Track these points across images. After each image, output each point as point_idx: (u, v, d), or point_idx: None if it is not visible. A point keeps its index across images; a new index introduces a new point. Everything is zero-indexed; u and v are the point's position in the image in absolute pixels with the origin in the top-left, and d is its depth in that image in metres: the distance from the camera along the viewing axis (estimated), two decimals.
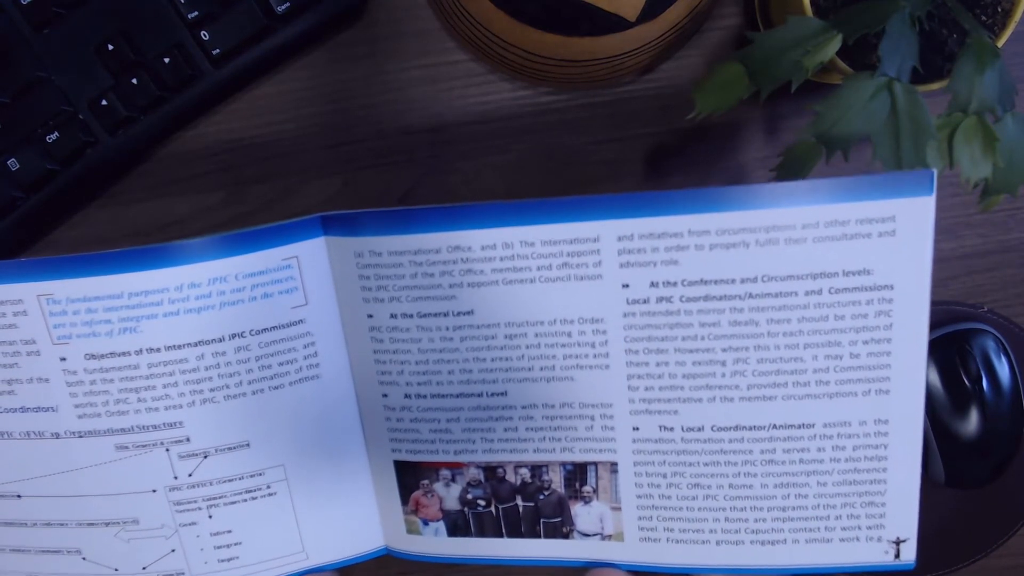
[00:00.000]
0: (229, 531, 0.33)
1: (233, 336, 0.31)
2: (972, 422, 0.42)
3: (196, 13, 0.38)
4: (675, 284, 0.29)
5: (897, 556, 0.31)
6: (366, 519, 0.34)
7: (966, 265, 0.44)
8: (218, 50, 0.39)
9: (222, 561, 0.33)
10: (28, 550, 0.33)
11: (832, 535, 0.31)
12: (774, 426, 0.30)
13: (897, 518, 0.31)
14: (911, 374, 0.29)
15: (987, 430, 0.43)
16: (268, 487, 0.33)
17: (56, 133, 0.39)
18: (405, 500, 0.34)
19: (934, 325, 0.44)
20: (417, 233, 0.30)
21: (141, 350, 0.30)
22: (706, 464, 0.31)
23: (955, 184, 0.43)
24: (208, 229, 0.42)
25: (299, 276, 0.31)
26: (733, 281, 0.29)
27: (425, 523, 0.34)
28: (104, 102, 0.39)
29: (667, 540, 0.32)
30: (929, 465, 0.44)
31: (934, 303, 0.44)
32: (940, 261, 0.44)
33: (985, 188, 0.32)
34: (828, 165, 0.32)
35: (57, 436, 0.32)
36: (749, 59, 0.33)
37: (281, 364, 0.32)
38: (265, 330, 0.31)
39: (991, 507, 0.46)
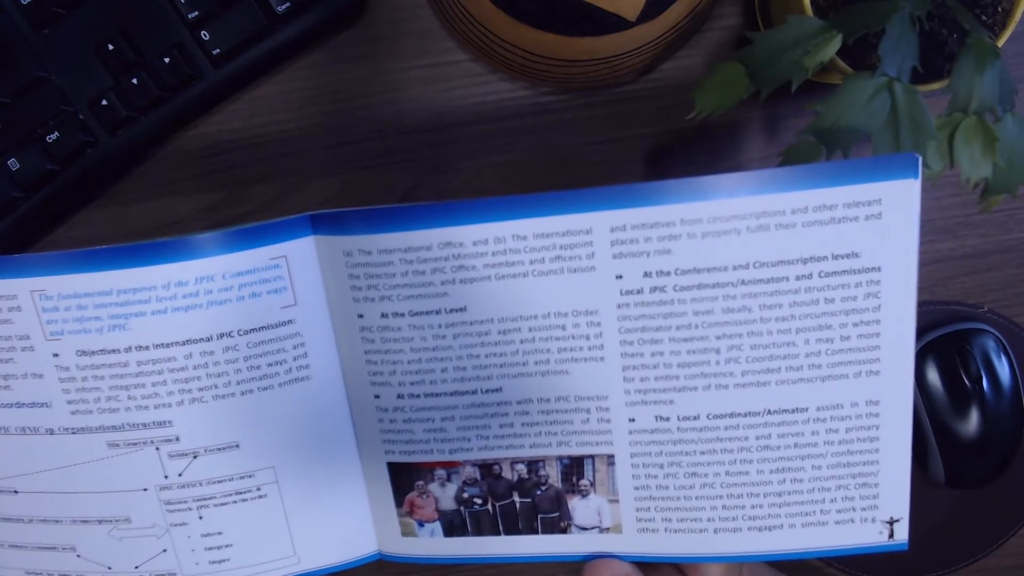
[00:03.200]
0: (220, 533, 0.33)
1: (221, 336, 0.31)
2: (972, 422, 0.42)
3: (196, 13, 0.38)
4: (668, 274, 0.29)
5: (891, 536, 0.31)
6: (359, 523, 0.34)
7: (966, 265, 0.44)
8: (218, 50, 0.39)
9: (213, 563, 0.33)
10: (25, 546, 0.34)
11: (827, 518, 0.31)
12: (768, 411, 0.30)
13: (890, 498, 0.31)
14: (900, 355, 0.29)
15: (987, 430, 0.42)
16: (258, 489, 0.33)
17: (56, 133, 0.39)
18: (399, 502, 0.34)
19: (934, 325, 0.44)
20: (407, 231, 0.29)
21: (130, 348, 0.30)
22: (702, 453, 0.31)
23: (955, 184, 0.43)
24: (208, 229, 0.42)
25: (288, 276, 0.31)
26: (726, 268, 0.29)
27: (420, 524, 0.34)
28: (104, 102, 0.39)
29: (665, 530, 0.32)
30: (929, 465, 0.44)
31: (934, 303, 0.44)
32: (940, 261, 0.44)
33: (985, 188, 0.32)
34: None
35: (51, 432, 0.32)
36: (749, 59, 0.33)
37: (270, 365, 0.31)
38: (253, 330, 0.31)
39: (991, 507, 0.46)
